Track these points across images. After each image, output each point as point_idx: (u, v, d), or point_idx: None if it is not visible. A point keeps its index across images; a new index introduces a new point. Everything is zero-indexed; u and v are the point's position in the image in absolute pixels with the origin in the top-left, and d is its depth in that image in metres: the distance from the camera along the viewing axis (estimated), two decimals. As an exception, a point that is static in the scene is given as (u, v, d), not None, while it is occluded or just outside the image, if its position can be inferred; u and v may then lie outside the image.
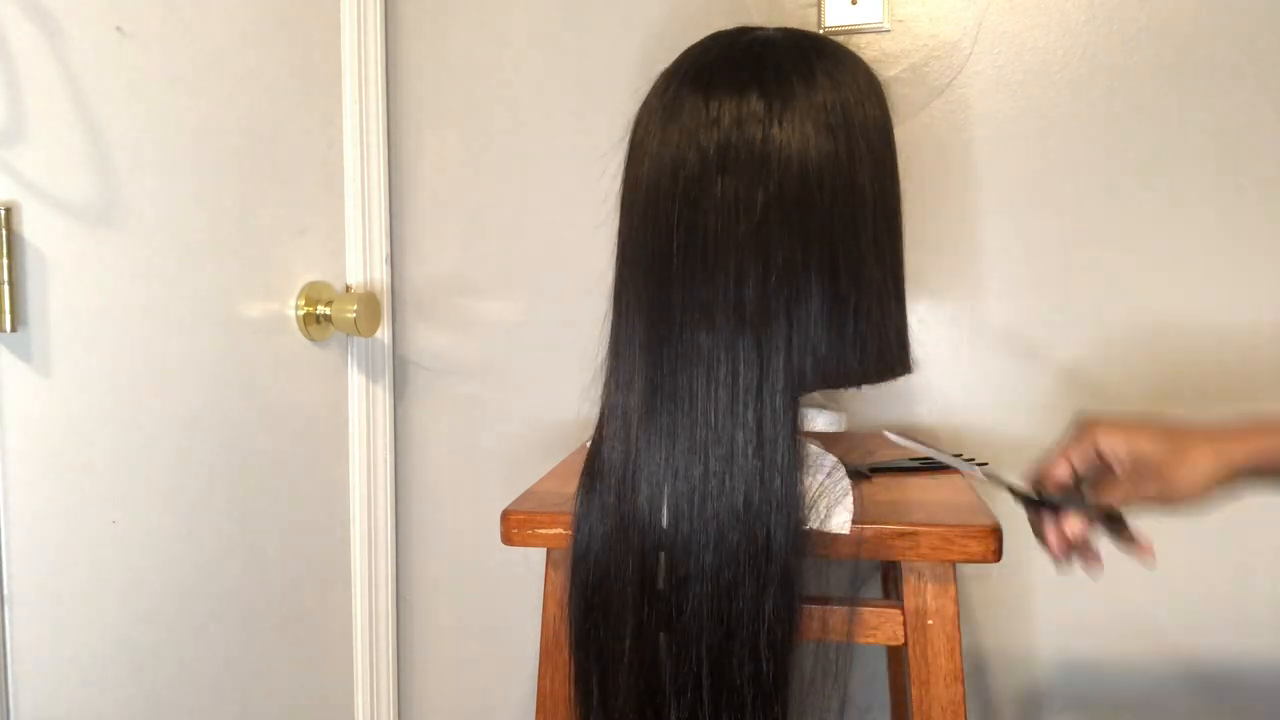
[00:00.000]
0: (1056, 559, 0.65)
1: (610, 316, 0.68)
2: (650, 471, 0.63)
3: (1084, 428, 0.66)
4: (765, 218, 0.62)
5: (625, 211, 0.68)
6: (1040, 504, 0.65)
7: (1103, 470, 0.65)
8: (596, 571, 0.64)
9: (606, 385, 0.67)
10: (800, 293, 0.62)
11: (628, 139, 0.69)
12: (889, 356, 0.66)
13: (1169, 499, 0.61)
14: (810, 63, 0.65)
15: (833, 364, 0.63)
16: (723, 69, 0.65)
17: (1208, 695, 0.99)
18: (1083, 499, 0.65)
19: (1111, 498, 0.63)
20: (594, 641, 0.64)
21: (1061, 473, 0.66)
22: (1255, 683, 0.98)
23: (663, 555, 0.62)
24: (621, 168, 0.70)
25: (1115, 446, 0.63)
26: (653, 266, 0.64)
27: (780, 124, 0.62)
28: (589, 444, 0.68)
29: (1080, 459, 0.65)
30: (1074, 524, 0.63)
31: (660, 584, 0.62)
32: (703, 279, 0.62)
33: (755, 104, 0.63)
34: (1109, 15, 0.97)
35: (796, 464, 0.63)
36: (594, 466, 0.66)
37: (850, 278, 0.63)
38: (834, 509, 0.63)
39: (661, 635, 0.63)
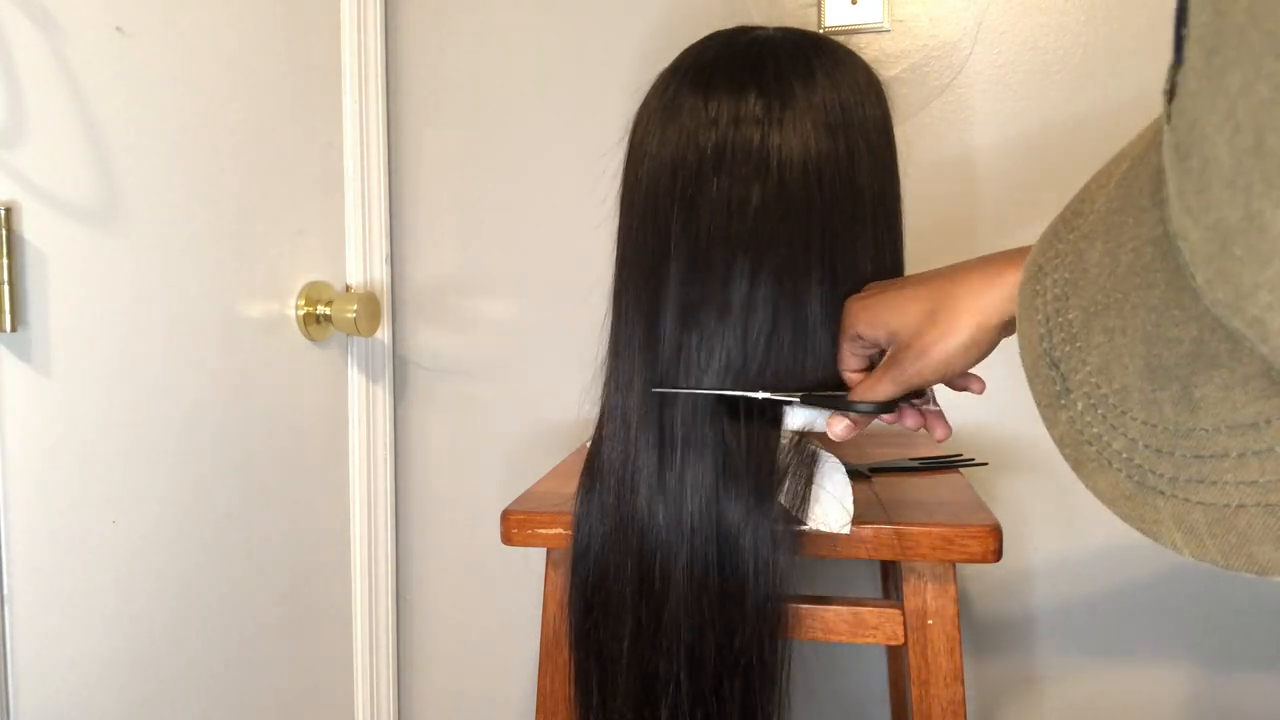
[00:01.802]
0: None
1: (610, 317, 0.68)
2: (649, 472, 0.63)
3: (845, 315, 0.61)
4: (764, 218, 0.62)
5: (625, 212, 0.68)
6: (823, 405, 0.62)
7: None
8: (596, 571, 0.64)
9: (606, 386, 0.67)
10: (800, 293, 0.62)
11: (627, 139, 0.69)
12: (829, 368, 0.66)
13: (929, 375, 0.55)
14: (809, 62, 0.65)
15: (831, 365, 0.63)
16: (722, 69, 0.65)
17: (1209, 694, 0.99)
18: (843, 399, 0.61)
19: (876, 386, 0.58)
20: (593, 641, 0.64)
21: (849, 367, 0.62)
22: (1256, 683, 0.98)
23: (660, 556, 0.62)
24: (621, 168, 0.70)
25: (870, 330, 0.58)
26: (652, 267, 0.64)
27: (779, 124, 0.62)
28: (589, 444, 0.68)
29: (856, 349, 0.61)
30: (834, 425, 0.61)
31: (658, 584, 0.62)
32: (702, 280, 0.62)
33: (754, 104, 0.63)
34: (1109, 15, 0.97)
35: (795, 465, 0.64)
36: (594, 467, 0.66)
37: (850, 278, 0.63)
38: (833, 509, 0.63)
39: (659, 635, 0.63)
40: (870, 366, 0.62)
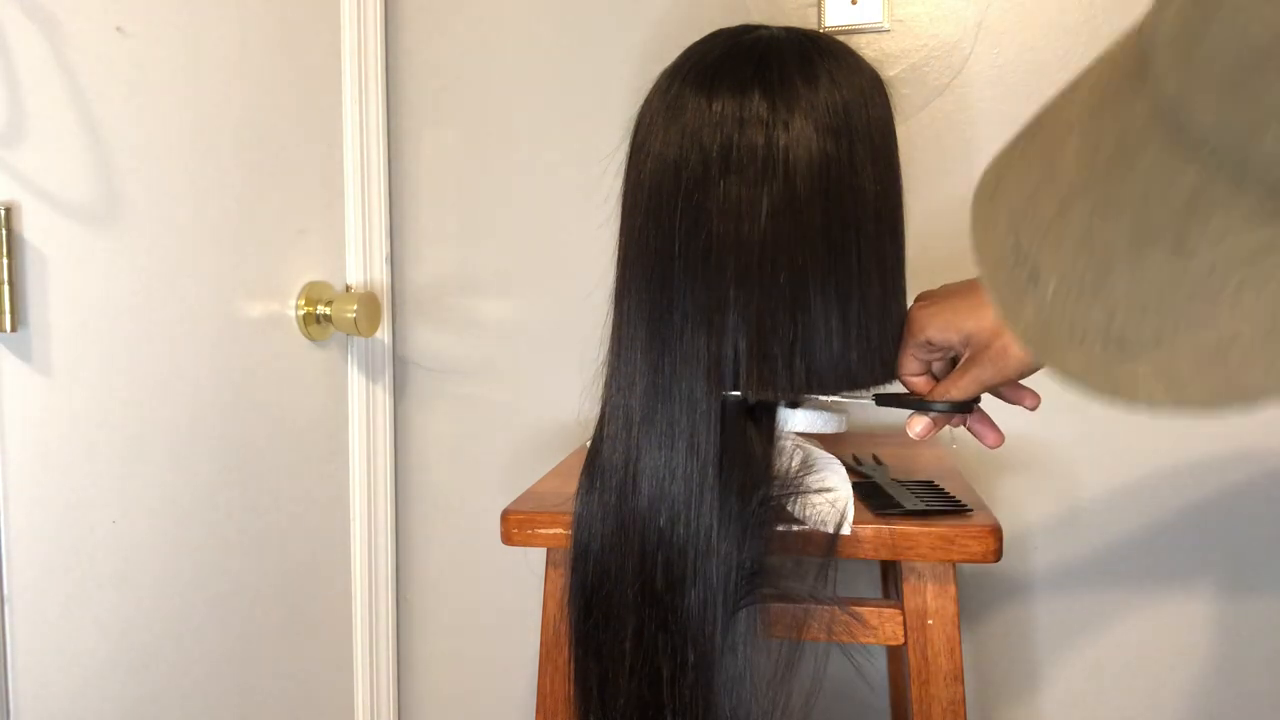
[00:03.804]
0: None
1: (611, 317, 0.68)
2: (651, 473, 0.63)
3: (911, 322, 0.65)
4: (768, 220, 0.62)
5: (627, 212, 0.68)
6: (900, 405, 0.67)
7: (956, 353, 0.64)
8: (596, 571, 0.64)
9: (607, 386, 0.67)
10: (802, 296, 0.62)
11: (629, 139, 0.69)
12: (890, 360, 0.66)
13: (1010, 374, 0.60)
14: (813, 62, 0.65)
15: (834, 368, 0.63)
16: (725, 68, 0.65)
17: (1209, 693, 0.99)
18: (922, 401, 0.66)
19: (958, 385, 0.62)
20: (593, 641, 0.64)
21: (910, 372, 0.66)
22: (1258, 683, 0.98)
23: (661, 556, 0.62)
24: (623, 168, 0.70)
25: (943, 335, 0.63)
26: (657, 268, 0.64)
27: (785, 126, 0.62)
28: (589, 444, 0.68)
29: (922, 354, 0.65)
30: (914, 424, 0.66)
31: (660, 584, 0.62)
32: (704, 281, 0.62)
33: (758, 104, 0.63)
34: (1108, 15, 0.97)
35: (797, 466, 0.64)
36: (594, 467, 0.66)
37: (852, 280, 0.63)
38: (833, 510, 0.63)
39: (660, 636, 0.63)
40: (928, 371, 0.66)
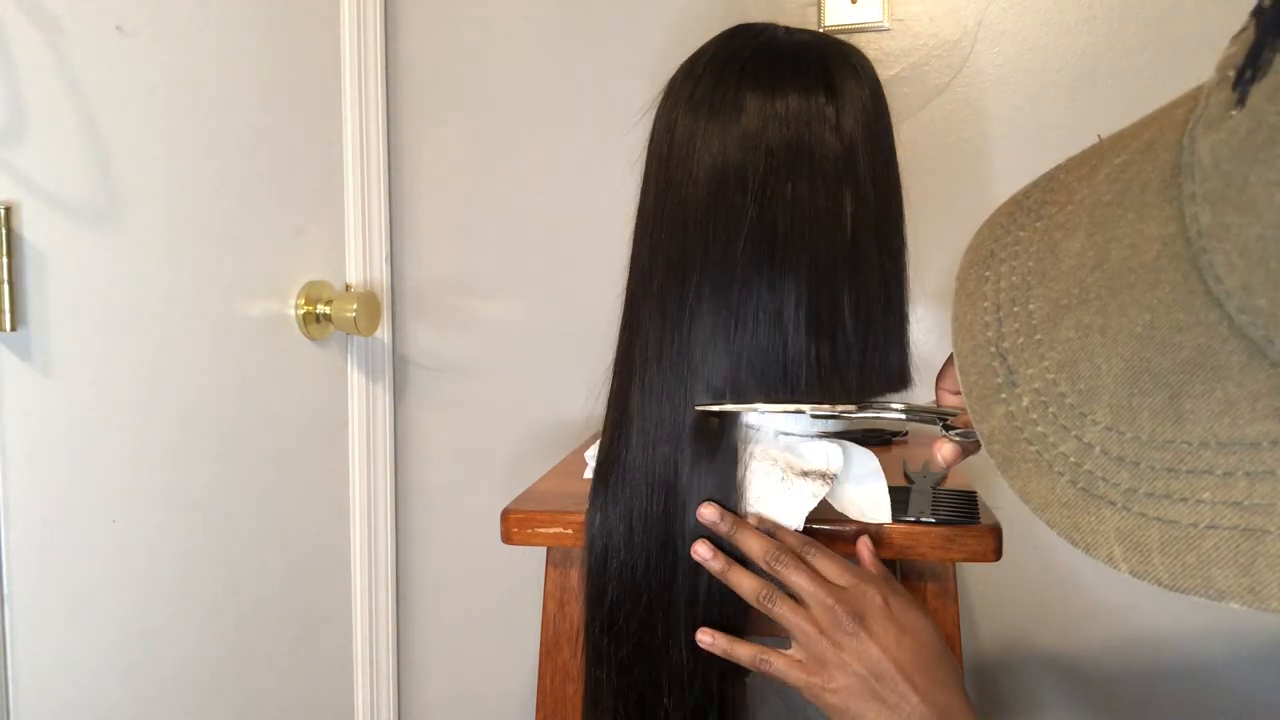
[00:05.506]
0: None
1: (622, 317, 0.67)
2: (663, 481, 0.62)
3: (950, 360, 0.62)
4: (789, 227, 0.61)
5: (666, 214, 0.65)
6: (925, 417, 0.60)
7: None
8: (619, 585, 0.62)
9: (619, 391, 0.66)
10: (802, 299, 0.61)
11: (658, 140, 0.67)
12: (889, 369, 0.66)
13: None
14: (852, 66, 0.66)
15: (832, 375, 0.62)
16: (774, 69, 0.64)
17: (1204, 696, 0.99)
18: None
19: None
20: (607, 647, 0.63)
21: (949, 388, 0.62)
22: (1252, 684, 0.98)
23: (682, 567, 0.62)
24: (656, 170, 0.67)
25: None
26: (671, 275, 0.63)
27: (841, 128, 0.62)
28: (594, 445, 0.68)
29: (953, 386, 0.61)
30: (942, 449, 0.58)
31: (676, 589, 0.62)
32: (723, 289, 0.61)
33: (822, 106, 0.62)
34: (1108, 15, 0.97)
35: (828, 466, 0.64)
36: (607, 474, 0.64)
37: (871, 284, 0.63)
38: (870, 500, 0.63)
39: (682, 650, 0.62)
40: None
